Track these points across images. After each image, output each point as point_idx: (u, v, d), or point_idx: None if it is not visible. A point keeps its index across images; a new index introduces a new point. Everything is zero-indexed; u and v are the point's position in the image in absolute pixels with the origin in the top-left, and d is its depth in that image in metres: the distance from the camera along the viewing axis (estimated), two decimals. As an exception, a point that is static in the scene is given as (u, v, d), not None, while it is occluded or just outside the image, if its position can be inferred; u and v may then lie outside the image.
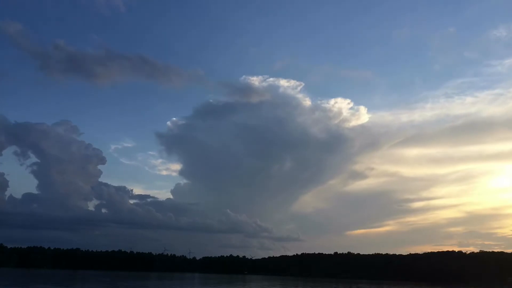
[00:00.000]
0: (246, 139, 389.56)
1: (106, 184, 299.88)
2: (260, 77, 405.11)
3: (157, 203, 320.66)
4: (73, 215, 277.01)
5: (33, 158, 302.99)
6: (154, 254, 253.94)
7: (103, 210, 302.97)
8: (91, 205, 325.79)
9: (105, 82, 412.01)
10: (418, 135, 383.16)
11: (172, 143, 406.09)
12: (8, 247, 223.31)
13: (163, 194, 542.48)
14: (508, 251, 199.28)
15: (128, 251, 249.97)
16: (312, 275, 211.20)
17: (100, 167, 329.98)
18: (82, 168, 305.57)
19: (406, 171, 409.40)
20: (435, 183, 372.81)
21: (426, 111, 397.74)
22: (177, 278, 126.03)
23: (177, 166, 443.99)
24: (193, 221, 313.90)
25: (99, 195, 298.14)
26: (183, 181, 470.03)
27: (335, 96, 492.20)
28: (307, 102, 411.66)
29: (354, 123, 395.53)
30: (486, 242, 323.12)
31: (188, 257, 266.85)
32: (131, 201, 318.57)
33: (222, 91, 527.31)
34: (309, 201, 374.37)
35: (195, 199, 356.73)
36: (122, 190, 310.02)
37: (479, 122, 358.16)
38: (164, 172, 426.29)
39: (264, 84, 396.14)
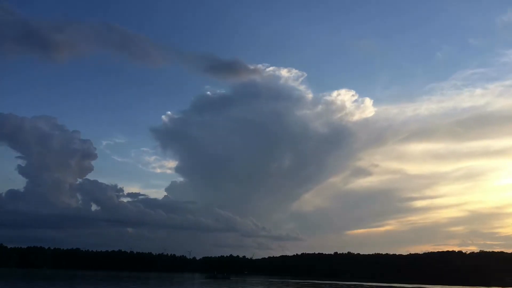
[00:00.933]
0: (245, 134, 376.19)
1: (95, 182, 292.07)
2: (260, 65, 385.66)
3: (150, 202, 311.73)
4: (58, 213, 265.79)
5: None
6: (154, 254, 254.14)
7: (93, 208, 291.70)
8: (78, 203, 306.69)
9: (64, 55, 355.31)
10: (424, 130, 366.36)
11: (168, 139, 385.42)
12: (8, 247, 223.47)
13: (158, 192, 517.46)
14: (508, 251, 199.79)
15: (128, 251, 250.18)
16: (312, 275, 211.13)
17: (90, 163, 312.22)
18: (69, 164, 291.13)
19: (410, 168, 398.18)
20: (439, 181, 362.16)
21: (433, 104, 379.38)
22: (177, 278, 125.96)
23: (172, 163, 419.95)
24: (188, 219, 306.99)
25: (88, 192, 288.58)
26: (178, 178, 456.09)
27: (338, 87, 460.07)
28: (309, 94, 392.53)
29: (358, 116, 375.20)
30: (488, 242, 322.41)
31: (188, 257, 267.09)
32: (123, 199, 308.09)
33: (218, 80, 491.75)
34: (309, 199, 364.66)
35: (191, 198, 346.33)
36: (113, 188, 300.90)
37: (486, 115, 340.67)
38: (158, 170, 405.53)
39: (264, 74, 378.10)
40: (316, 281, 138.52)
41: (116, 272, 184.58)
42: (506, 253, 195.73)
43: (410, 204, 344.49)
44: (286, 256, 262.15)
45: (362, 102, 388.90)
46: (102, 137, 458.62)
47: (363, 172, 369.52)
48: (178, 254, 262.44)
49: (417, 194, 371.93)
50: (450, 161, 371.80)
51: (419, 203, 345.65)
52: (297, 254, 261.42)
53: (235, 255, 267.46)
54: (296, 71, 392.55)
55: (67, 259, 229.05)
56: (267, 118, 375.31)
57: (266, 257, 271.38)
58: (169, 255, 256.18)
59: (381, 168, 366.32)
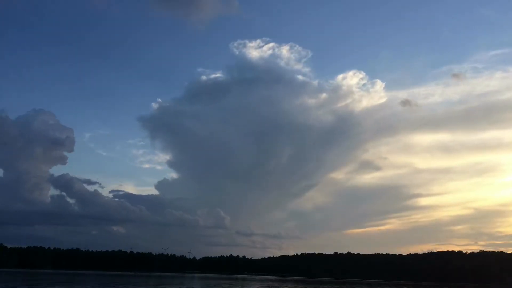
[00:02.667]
0: (242, 125, 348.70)
1: (76, 178, 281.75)
2: (258, 40, 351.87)
3: (136, 198, 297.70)
4: (32, 209, 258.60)
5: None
6: (154, 254, 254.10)
7: (74, 205, 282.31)
8: (51, 198, 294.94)
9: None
10: (434, 119, 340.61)
11: (158, 130, 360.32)
12: (8, 247, 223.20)
13: (145, 189, 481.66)
14: (508, 251, 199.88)
15: (128, 251, 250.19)
16: (312, 275, 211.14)
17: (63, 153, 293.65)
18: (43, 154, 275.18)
19: (417, 161, 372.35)
20: (446, 176, 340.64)
21: (446, 89, 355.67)
22: (177, 278, 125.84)
23: (163, 158, 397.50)
24: (180, 218, 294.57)
25: (63, 187, 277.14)
26: (170, 174, 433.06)
27: (345, 69, 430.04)
28: (313, 80, 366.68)
29: (366, 103, 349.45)
30: (491, 242, 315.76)
31: (188, 257, 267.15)
32: (105, 196, 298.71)
33: (211, 61, 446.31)
34: (309, 197, 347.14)
35: (182, 194, 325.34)
36: (93, 183, 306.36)
37: (505, 102, 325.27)
38: (147, 165, 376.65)
39: (263, 54, 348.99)
40: (316, 281, 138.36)
41: (116, 272, 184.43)
42: (506, 253, 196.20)
43: (415, 201, 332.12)
44: (286, 256, 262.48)
45: (372, 85, 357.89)
46: (83, 127, 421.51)
47: (367, 167, 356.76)
48: (178, 254, 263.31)
49: (423, 190, 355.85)
50: (460, 154, 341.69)
51: (424, 201, 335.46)
52: (297, 254, 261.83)
53: (235, 255, 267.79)
54: (300, 48, 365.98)
55: (67, 259, 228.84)
56: (266, 106, 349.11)
57: (266, 257, 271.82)
58: (169, 255, 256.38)
59: (387, 162, 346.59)
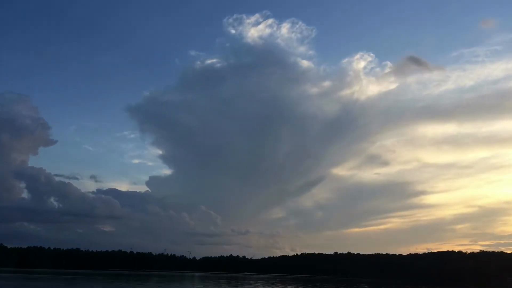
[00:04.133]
0: (237, 116, 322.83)
1: (51, 174, 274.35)
2: (257, 15, 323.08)
3: (123, 195, 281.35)
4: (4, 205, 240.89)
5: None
6: (154, 254, 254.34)
7: (54, 203, 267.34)
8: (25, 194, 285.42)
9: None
10: (446, 108, 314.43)
11: (148, 122, 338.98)
12: (8, 247, 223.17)
13: (134, 186, 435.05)
14: (508, 251, 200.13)
15: (128, 251, 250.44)
16: (312, 275, 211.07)
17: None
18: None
19: (425, 156, 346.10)
20: (454, 172, 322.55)
21: (461, 74, 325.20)
22: (179, 277, 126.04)
23: (154, 152, 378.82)
24: (172, 216, 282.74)
25: (41, 183, 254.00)
26: (162, 171, 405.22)
27: (352, 52, 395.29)
28: (318, 64, 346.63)
29: (374, 90, 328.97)
30: (493, 241, 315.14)
31: (188, 257, 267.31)
32: (91, 193, 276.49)
33: (204, 43, 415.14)
34: (309, 194, 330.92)
35: (175, 192, 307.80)
36: (74, 178, 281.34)
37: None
38: (137, 160, 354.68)
39: (262, 33, 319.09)
40: (316, 281, 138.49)
41: (116, 271, 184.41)
42: (506, 253, 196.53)
43: (418, 199, 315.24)
44: (286, 256, 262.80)
45: (382, 69, 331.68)
46: (65, 118, 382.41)
47: (371, 162, 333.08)
48: (178, 254, 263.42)
49: (428, 188, 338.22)
50: (469, 148, 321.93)
51: (428, 198, 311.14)
52: (297, 254, 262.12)
53: (235, 255, 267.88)
54: (303, 26, 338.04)
55: (67, 259, 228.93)
56: (264, 95, 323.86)
57: (266, 257, 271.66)
58: (169, 255, 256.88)
59: (393, 157, 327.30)
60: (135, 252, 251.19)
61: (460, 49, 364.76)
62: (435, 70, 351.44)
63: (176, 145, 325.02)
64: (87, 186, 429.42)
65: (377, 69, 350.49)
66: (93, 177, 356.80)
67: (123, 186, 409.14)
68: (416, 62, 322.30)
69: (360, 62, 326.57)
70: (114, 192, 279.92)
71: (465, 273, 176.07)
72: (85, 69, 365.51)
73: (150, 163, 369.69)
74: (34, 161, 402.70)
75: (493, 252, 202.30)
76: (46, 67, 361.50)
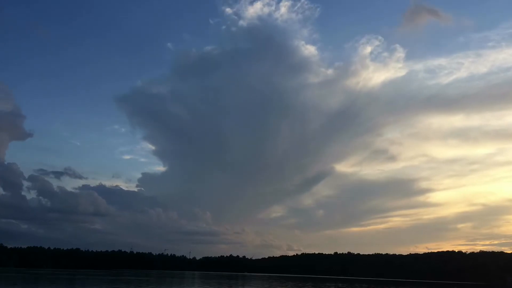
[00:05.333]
0: (234, 108, 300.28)
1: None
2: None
3: (110, 192, 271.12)
4: None
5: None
6: (154, 254, 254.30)
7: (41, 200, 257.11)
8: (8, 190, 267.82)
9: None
10: (455, 98, 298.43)
11: (140, 115, 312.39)
12: (8, 247, 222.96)
13: (123, 183, 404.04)
14: (508, 251, 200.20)
15: (128, 251, 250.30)
16: (312, 275, 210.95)
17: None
18: None
19: (432, 150, 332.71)
20: (460, 168, 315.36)
21: (479, 60, 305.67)
22: (177, 276, 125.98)
23: (146, 146, 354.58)
24: (165, 215, 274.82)
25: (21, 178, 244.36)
26: (154, 167, 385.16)
27: (358, 35, 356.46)
28: (319, 51, 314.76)
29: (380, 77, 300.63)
30: (495, 241, 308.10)
31: (188, 257, 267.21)
32: (69, 187, 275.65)
33: (198, 26, 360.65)
34: (310, 191, 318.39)
35: (169, 190, 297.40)
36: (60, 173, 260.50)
37: None
38: (127, 156, 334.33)
39: (260, 13, 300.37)
40: (316, 281, 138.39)
41: (116, 271, 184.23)
42: (506, 253, 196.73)
43: (422, 197, 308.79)
44: (286, 256, 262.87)
45: (391, 54, 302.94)
46: (48, 110, 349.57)
47: (375, 158, 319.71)
48: (178, 254, 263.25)
49: (432, 185, 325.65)
50: (479, 142, 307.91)
51: (432, 196, 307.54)
52: (297, 254, 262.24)
53: (235, 255, 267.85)
54: (305, 4, 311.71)
55: (67, 259, 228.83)
56: (262, 84, 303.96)
57: (266, 257, 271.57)
58: (169, 255, 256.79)
59: (399, 152, 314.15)
60: (135, 252, 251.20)
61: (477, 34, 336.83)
62: (447, 57, 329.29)
63: (170, 140, 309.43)
64: (74, 182, 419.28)
65: (385, 54, 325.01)
66: (80, 173, 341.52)
67: (113, 183, 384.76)
68: (429, 11, 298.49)
69: (367, 47, 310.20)
70: (102, 189, 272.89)
71: (465, 273, 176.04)
72: (70, 56, 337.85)
73: (142, 159, 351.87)
74: (10, 157, 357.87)
75: (493, 252, 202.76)
76: (28, 55, 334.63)
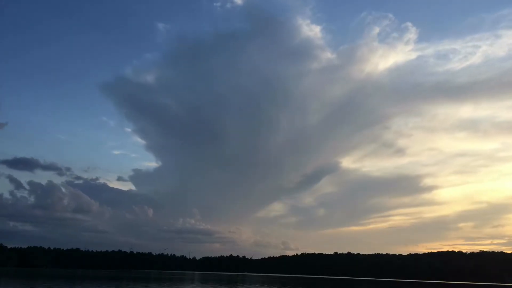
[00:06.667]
0: (228, 98, 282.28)
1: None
2: None
3: (102, 189, 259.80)
4: None
5: None
6: (154, 254, 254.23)
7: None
8: None
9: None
10: (467, 86, 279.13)
11: (130, 106, 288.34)
12: (8, 247, 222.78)
13: (117, 181, 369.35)
14: (508, 251, 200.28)
15: (128, 251, 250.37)
16: (312, 275, 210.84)
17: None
18: None
19: (439, 143, 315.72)
20: (467, 163, 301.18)
21: (496, 42, 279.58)
22: (177, 276, 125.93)
23: (136, 140, 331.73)
24: (158, 213, 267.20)
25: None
26: (145, 163, 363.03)
27: (365, 11, 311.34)
28: (322, 34, 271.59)
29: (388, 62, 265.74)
30: (495, 241, 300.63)
31: (188, 257, 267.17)
32: (62, 185, 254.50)
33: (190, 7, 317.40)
34: (310, 190, 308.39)
35: (163, 188, 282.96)
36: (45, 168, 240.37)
37: None
38: (117, 152, 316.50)
39: None
40: (316, 281, 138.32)
41: (116, 271, 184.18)
42: (506, 253, 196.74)
43: (424, 194, 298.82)
44: (286, 256, 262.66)
45: (401, 34, 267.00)
46: (29, 100, 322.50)
47: (379, 152, 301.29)
48: (178, 254, 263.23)
49: (438, 182, 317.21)
50: (489, 136, 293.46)
51: (435, 194, 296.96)
52: (297, 254, 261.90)
53: (235, 255, 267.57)
54: None
55: (67, 259, 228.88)
56: (260, 72, 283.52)
57: (266, 257, 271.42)
58: (169, 255, 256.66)
59: (402, 146, 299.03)
60: (135, 252, 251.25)
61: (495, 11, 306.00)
62: (462, 39, 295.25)
63: (162, 135, 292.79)
64: (60, 178, 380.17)
65: (395, 35, 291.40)
66: (67, 169, 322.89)
67: (101, 179, 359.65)
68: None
69: (374, 27, 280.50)
70: (88, 186, 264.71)
71: (465, 273, 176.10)
72: (52, 43, 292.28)
73: (133, 155, 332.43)
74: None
75: (493, 252, 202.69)
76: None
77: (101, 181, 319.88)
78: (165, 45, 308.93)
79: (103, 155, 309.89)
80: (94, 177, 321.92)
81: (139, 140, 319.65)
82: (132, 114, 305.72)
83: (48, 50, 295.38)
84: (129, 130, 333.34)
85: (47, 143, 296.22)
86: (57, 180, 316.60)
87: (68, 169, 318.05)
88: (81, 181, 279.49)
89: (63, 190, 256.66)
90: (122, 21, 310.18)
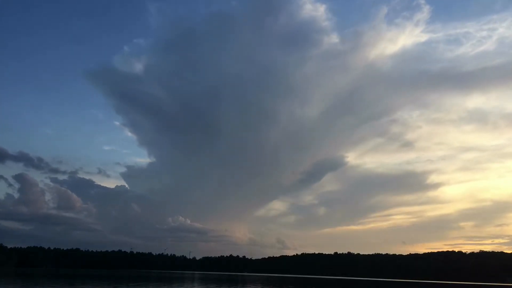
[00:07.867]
0: (223, 90, 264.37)
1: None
2: None
3: (92, 186, 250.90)
4: None
5: None
6: (154, 254, 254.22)
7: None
8: None
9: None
10: (475, 75, 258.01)
11: (119, 98, 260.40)
12: (8, 247, 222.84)
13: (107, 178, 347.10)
14: (508, 251, 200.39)
15: (128, 251, 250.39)
16: (312, 275, 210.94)
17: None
18: None
19: (447, 137, 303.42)
20: (474, 158, 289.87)
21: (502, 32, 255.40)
22: (177, 275, 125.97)
23: (128, 134, 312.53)
24: (153, 211, 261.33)
25: None
26: (138, 159, 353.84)
27: None
28: (325, 14, 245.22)
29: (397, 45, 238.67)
30: (495, 241, 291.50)
31: (188, 257, 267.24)
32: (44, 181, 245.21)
33: None
34: (310, 187, 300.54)
35: (157, 185, 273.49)
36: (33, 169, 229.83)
37: None
38: (107, 147, 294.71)
39: None
40: (316, 281, 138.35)
41: (116, 271, 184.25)
42: (506, 253, 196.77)
43: (427, 192, 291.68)
44: (286, 256, 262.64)
45: (411, 14, 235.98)
46: (11, 89, 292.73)
47: (383, 147, 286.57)
48: (178, 254, 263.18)
49: (445, 179, 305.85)
50: (497, 131, 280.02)
51: (437, 192, 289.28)
52: (296, 254, 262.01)
53: (235, 255, 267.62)
54: None
55: (67, 259, 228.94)
56: (257, 60, 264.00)
57: (266, 257, 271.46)
58: (169, 255, 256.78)
59: (407, 141, 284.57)
60: (135, 252, 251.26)
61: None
62: (478, 21, 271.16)
63: (155, 129, 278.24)
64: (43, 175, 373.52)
65: (405, 13, 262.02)
66: (55, 165, 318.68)
67: (91, 176, 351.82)
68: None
69: (383, 6, 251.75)
70: (78, 182, 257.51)
71: (465, 273, 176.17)
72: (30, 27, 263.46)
73: (125, 151, 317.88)
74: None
75: (493, 252, 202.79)
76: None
77: (92, 178, 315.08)
78: (158, 30, 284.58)
79: (93, 151, 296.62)
80: (85, 175, 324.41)
81: (130, 135, 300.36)
82: (123, 108, 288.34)
83: (30, 38, 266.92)
84: (119, 124, 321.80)
85: (33, 138, 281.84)
86: (39, 177, 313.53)
87: (52, 163, 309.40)
88: (67, 177, 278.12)
89: (45, 187, 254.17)
90: (110, 2, 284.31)
